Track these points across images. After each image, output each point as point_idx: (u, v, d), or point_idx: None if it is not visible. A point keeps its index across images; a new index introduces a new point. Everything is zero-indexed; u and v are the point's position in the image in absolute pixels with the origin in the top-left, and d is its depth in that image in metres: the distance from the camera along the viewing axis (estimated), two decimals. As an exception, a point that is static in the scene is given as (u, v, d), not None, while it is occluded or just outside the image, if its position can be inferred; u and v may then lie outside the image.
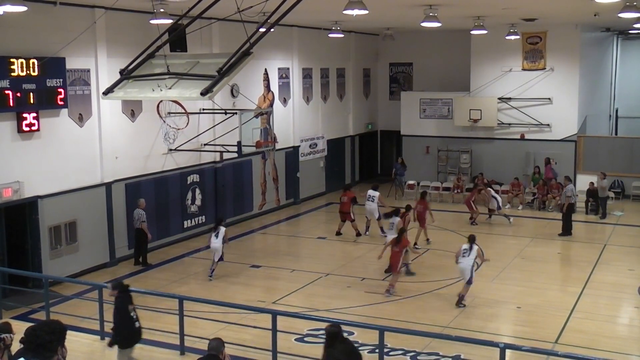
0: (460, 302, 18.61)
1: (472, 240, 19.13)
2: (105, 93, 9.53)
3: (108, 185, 22.01)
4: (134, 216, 22.32)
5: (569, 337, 16.43)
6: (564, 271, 21.71)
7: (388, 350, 14.72)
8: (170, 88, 8.86)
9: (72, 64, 20.36)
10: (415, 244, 23.49)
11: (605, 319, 18.00)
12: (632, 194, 31.89)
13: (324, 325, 16.16)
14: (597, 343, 16.10)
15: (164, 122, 24.15)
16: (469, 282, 18.72)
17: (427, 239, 24.48)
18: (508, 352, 12.25)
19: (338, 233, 26.06)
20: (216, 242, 20.76)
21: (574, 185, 28.81)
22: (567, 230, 26.23)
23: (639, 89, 41.46)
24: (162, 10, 18.06)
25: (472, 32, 29.02)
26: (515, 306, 18.83)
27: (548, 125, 33.12)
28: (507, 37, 30.51)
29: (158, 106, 23.75)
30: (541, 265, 22.45)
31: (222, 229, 20.88)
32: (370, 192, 26.30)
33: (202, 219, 26.06)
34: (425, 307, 18.58)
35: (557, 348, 15.51)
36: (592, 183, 29.17)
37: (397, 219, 21.75)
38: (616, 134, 40.32)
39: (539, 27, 32.01)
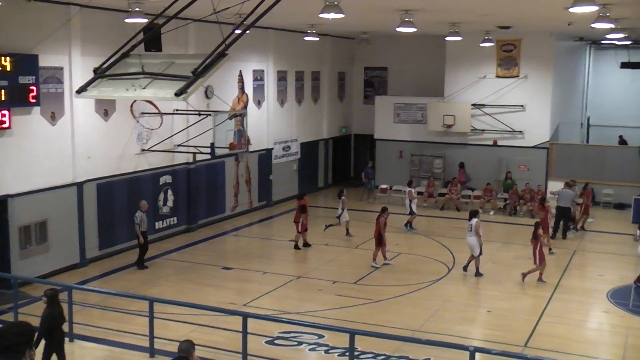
0: (477, 273, 21.74)
1: (472, 215, 22.08)
2: (79, 92, 9.49)
3: (80, 185, 21.84)
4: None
5: (539, 340, 16.55)
6: (534, 276, 21.83)
7: (358, 353, 14.77)
8: (144, 88, 8.84)
9: (45, 61, 20.20)
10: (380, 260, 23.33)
11: (575, 323, 18.19)
12: (602, 200, 32.20)
13: (295, 328, 16.33)
14: (567, 347, 16.23)
15: (138, 122, 24.06)
16: (480, 254, 21.71)
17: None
18: (478, 355, 12.33)
19: (301, 245, 25.07)
20: None
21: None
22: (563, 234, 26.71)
23: (611, 98, 42.02)
24: (137, 9, 17.98)
25: (447, 39, 29.15)
26: (485, 310, 18.95)
27: (521, 132, 33.39)
28: (481, 44, 30.73)
29: (132, 106, 23.65)
30: (512, 270, 22.56)
31: None
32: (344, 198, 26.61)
33: (174, 221, 25.97)
34: (396, 310, 18.62)
35: (527, 352, 15.63)
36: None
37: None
38: (588, 141, 40.72)
39: (514, 35, 32.22)
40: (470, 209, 22.91)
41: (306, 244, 24.99)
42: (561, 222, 26.94)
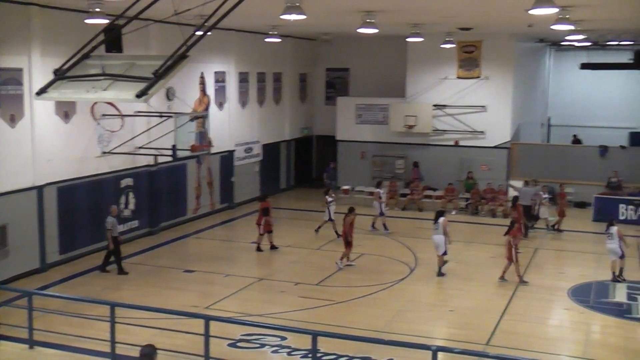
0: (439, 272, 21.83)
1: (438, 214, 22.24)
2: (39, 93, 9.40)
3: (40, 189, 21.59)
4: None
5: (501, 338, 16.68)
6: (496, 274, 21.96)
7: (321, 355, 14.75)
8: (105, 89, 8.78)
9: (4, 62, 19.98)
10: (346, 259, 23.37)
11: (536, 321, 18.38)
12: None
13: (257, 330, 16.30)
14: (528, 344, 16.38)
15: (99, 124, 23.86)
16: (444, 253, 21.86)
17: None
18: (440, 354, 12.37)
19: (268, 247, 24.97)
20: None
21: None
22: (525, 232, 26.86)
23: (571, 99, 42.58)
24: (98, 10, 17.83)
25: (408, 40, 29.28)
26: (448, 309, 19.03)
27: (482, 132, 33.62)
28: (442, 46, 30.92)
29: (92, 108, 23.45)
30: (474, 269, 22.74)
31: None
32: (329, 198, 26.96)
33: (135, 224, 25.79)
34: (358, 311, 18.64)
35: (489, 350, 15.74)
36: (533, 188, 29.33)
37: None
38: (549, 141, 41.11)
39: (475, 36, 32.44)
40: (435, 210, 23.08)
41: (273, 247, 24.84)
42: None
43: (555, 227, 27.80)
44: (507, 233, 21.61)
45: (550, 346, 16.56)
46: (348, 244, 22.75)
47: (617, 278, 21.33)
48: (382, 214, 27.59)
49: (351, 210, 23.37)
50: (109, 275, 21.57)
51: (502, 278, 21.22)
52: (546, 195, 27.91)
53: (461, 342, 16.15)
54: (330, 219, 26.61)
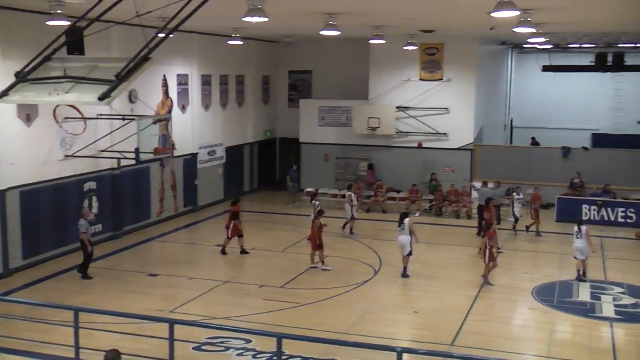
0: (404, 273, 21.94)
1: (403, 215, 22.25)
2: (0, 96, 9.31)
3: (2, 193, 21.38)
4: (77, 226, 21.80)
5: (465, 339, 16.77)
6: (460, 275, 22.13)
7: (286, 357, 14.72)
8: (67, 92, 8.71)
9: (-37, 65, 19.80)
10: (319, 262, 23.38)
11: (501, 321, 18.55)
12: (527, 200, 32.64)
13: (222, 333, 16.23)
14: (493, 344, 16.51)
15: (61, 127, 23.65)
16: (409, 254, 21.93)
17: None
18: (405, 356, 12.42)
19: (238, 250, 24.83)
20: None
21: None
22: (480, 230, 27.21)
23: (533, 101, 42.99)
24: (59, 11, 17.69)
25: (371, 42, 29.35)
26: (412, 310, 19.10)
27: (445, 134, 33.79)
28: (405, 48, 31.04)
29: (54, 111, 23.25)
30: (438, 271, 22.84)
31: None
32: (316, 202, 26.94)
33: (99, 227, 25.58)
34: (323, 313, 18.66)
35: (454, 350, 15.83)
36: (493, 189, 29.53)
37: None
38: (511, 143, 41.42)
39: (437, 38, 32.59)
40: (399, 211, 23.24)
41: (243, 251, 24.65)
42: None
43: (529, 228, 27.83)
44: (483, 235, 21.77)
45: (514, 346, 16.70)
46: (319, 247, 22.75)
47: (582, 277, 21.59)
48: (353, 217, 27.55)
49: (320, 213, 23.39)
50: (72, 280, 21.37)
51: (483, 281, 21.33)
52: (520, 196, 27.99)
53: (426, 343, 16.21)
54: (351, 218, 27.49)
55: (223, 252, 24.58)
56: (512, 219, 27.86)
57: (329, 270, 22.59)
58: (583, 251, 21.69)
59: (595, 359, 15.92)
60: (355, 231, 27.66)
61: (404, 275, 21.99)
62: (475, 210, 29.63)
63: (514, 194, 28.08)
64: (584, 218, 28.73)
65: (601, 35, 31.78)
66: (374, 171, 34.39)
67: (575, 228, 22.02)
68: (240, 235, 24.70)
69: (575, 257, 21.92)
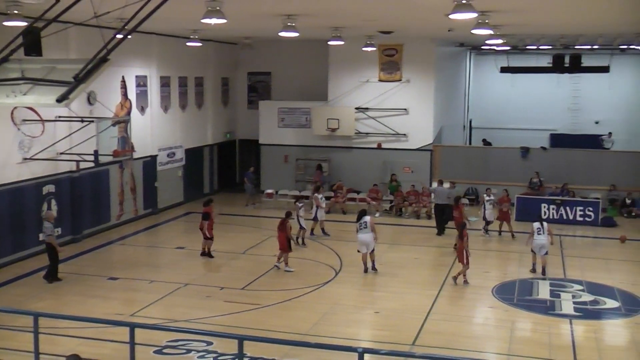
0: (373, 267, 22.52)
1: (362, 213, 22.80)
2: (-44, 99, 9.19)
3: (-43, 196, 21.15)
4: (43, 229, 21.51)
5: (426, 338, 16.86)
6: (421, 275, 22.25)
7: (248, 359, 14.71)
8: (25, 94, 8.62)
9: None
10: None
11: (461, 320, 18.66)
12: (487, 200, 32.85)
13: (183, 336, 16.18)
14: (453, 343, 16.62)
15: (19, 129, 23.39)
16: (373, 250, 22.47)
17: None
18: (367, 356, 12.39)
19: (205, 254, 24.53)
20: None
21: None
22: (441, 230, 27.83)
23: (492, 101, 43.39)
24: (16, 12, 17.49)
25: (329, 43, 29.39)
26: (373, 311, 19.14)
27: (405, 135, 33.95)
28: (364, 49, 31.10)
29: (12, 113, 23.00)
30: (399, 271, 22.93)
31: None
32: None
33: (58, 231, 25.25)
34: (284, 315, 18.65)
35: (415, 350, 15.87)
36: (448, 189, 29.77)
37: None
38: (470, 143, 41.70)
39: (395, 39, 32.70)
40: (358, 211, 23.48)
41: (207, 254, 24.46)
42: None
43: (511, 233, 27.88)
44: (460, 236, 21.88)
45: (476, 344, 16.83)
46: (289, 248, 22.83)
47: (542, 274, 22.00)
48: (315, 218, 27.45)
49: (289, 214, 23.39)
50: (32, 285, 21.12)
51: (463, 281, 21.46)
52: (491, 197, 28.05)
53: (387, 343, 16.26)
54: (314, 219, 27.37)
55: (206, 254, 24.37)
56: (483, 221, 27.98)
57: (291, 271, 22.59)
58: (545, 247, 22.11)
59: (555, 356, 16.05)
60: (316, 232, 27.64)
61: (373, 268, 22.43)
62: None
63: (485, 195, 28.17)
64: (543, 217, 29.05)
65: (558, 37, 32.11)
66: (321, 171, 34.47)
67: (537, 225, 22.38)
68: (209, 238, 24.45)
69: (534, 252, 22.39)
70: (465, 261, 21.25)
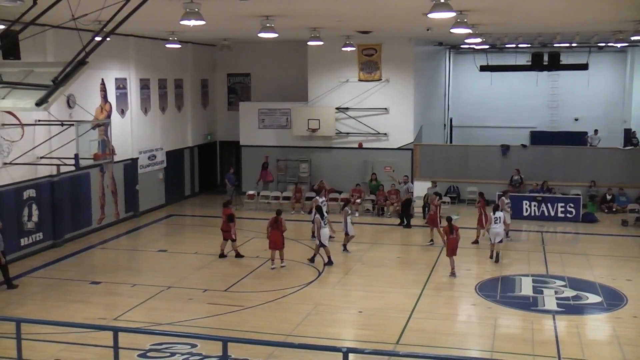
0: (345, 249, 24.55)
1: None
2: None
3: (-64, 202, 20.97)
4: None
5: (410, 337, 16.89)
6: (403, 274, 22.26)
7: (232, 361, 14.70)
8: (3, 98, 8.59)
9: None
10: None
11: (444, 318, 18.68)
12: (467, 198, 33.12)
13: (167, 339, 16.13)
14: (437, 341, 16.65)
15: (-3, 134, 23.27)
16: (346, 233, 24.78)
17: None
18: (351, 356, 12.41)
19: (221, 255, 24.49)
20: None
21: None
22: (407, 222, 28.90)
23: (472, 100, 43.57)
24: (-7, 15, 17.43)
25: (309, 43, 29.37)
26: (356, 311, 19.13)
27: (385, 134, 33.97)
28: (343, 49, 31.12)
29: (-10, 117, 22.88)
30: (381, 270, 22.95)
31: None
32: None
33: (39, 236, 25.18)
34: (267, 316, 18.60)
35: (399, 349, 15.90)
36: (429, 188, 29.92)
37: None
38: (451, 142, 41.82)
39: (374, 39, 32.75)
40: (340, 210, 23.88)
41: (237, 254, 24.48)
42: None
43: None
44: (449, 235, 22.25)
45: (459, 342, 16.90)
46: (283, 245, 23.14)
47: (495, 261, 23.47)
48: (347, 233, 27.11)
49: (280, 212, 23.35)
50: (11, 291, 20.94)
51: (452, 274, 22.05)
52: (508, 201, 27.70)
53: (371, 342, 16.30)
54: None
55: (238, 255, 24.42)
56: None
57: (284, 266, 23.06)
58: (500, 235, 23.60)
59: (538, 352, 16.12)
60: (296, 232, 27.62)
61: (344, 250, 24.59)
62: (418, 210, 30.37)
63: (503, 198, 27.63)
64: (525, 214, 29.52)
65: (536, 35, 32.25)
66: (269, 170, 34.95)
67: (495, 215, 23.60)
68: (225, 239, 24.49)
69: (492, 242, 23.80)
70: (451, 254, 22.11)
